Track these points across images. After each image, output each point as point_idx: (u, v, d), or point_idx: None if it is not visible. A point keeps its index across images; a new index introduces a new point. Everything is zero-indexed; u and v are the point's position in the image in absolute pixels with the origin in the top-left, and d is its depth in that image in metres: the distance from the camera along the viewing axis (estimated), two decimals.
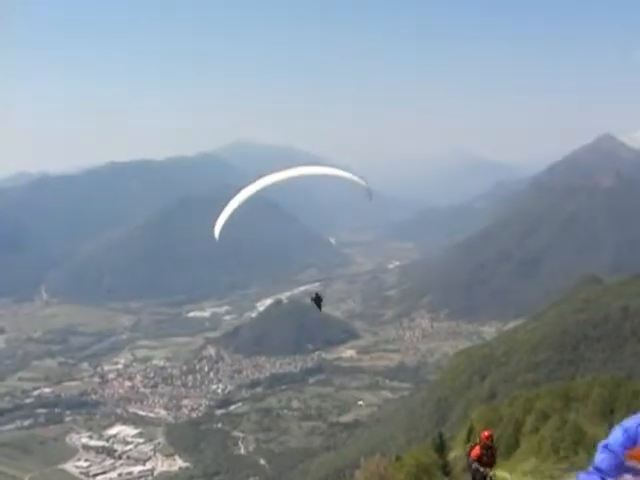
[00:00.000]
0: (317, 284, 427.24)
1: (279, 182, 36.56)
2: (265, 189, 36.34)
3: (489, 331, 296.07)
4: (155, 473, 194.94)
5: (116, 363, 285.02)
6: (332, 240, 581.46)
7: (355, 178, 39.14)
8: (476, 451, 26.24)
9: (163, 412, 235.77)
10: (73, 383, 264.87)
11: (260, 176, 36.60)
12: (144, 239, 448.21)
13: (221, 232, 39.62)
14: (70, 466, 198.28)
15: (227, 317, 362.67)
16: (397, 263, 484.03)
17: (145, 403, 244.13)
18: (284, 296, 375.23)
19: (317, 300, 49.06)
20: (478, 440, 26.60)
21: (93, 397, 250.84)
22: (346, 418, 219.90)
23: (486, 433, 26.82)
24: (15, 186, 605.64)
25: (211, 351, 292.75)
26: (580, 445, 41.45)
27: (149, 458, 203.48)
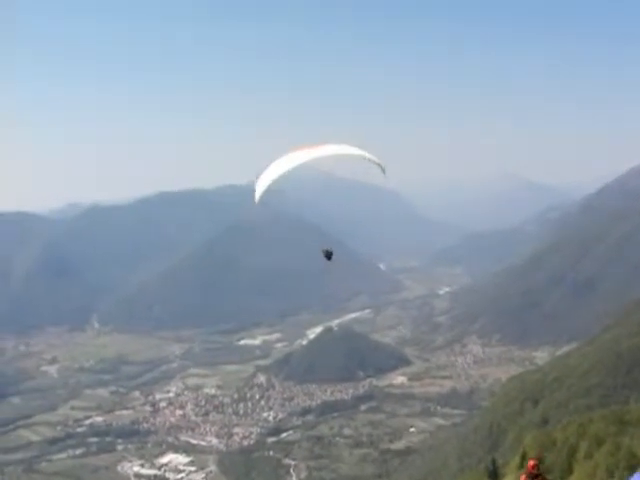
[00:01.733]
0: (367, 311, 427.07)
1: (306, 161, 41.93)
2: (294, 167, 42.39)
3: (541, 356, 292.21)
4: None
5: (167, 391, 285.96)
6: (382, 266, 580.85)
7: (370, 155, 42.67)
8: None
9: (214, 440, 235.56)
10: (125, 412, 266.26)
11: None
12: (194, 267, 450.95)
13: (260, 198, 42.49)
14: None
15: (278, 345, 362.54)
16: (447, 289, 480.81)
17: (196, 431, 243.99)
18: (334, 323, 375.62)
19: (328, 254, 50.94)
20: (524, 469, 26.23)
21: (145, 426, 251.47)
22: (398, 445, 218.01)
23: (531, 462, 26.44)
24: (67, 216, 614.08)
25: (262, 379, 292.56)
26: (635, 470, 40.73)
27: None
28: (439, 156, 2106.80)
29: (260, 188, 42.89)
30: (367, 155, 42.13)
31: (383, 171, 42.80)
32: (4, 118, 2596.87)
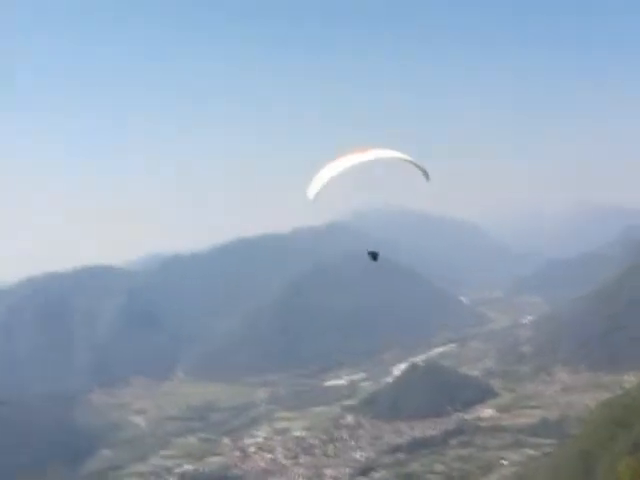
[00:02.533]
0: (452, 345, 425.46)
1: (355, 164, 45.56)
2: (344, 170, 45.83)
3: (630, 380, 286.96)
4: None
5: (256, 436, 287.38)
6: (463, 299, 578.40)
7: (415, 161, 47.37)
8: None
9: None
10: (215, 458, 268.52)
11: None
12: (276, 311, 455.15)
13: (316, 195, 45.89)
14: None
15: (364, 384, 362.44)
16: (530, 317, 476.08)
17: (287, 475, 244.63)
18: (419, 359, 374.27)
19: (373, 254, 54.25)
20: None
21: (235, 471, 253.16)
22: (490, 479, 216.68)
23: None
24: (148, 267, 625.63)
25: (350, 419, 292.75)
26: None
27: None
28: (516, 185, 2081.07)
29: (314, 189, 46.64)
30: (412, 159, 47.20)
31: (427, 177, 48.27)
32: (82, 176, 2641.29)
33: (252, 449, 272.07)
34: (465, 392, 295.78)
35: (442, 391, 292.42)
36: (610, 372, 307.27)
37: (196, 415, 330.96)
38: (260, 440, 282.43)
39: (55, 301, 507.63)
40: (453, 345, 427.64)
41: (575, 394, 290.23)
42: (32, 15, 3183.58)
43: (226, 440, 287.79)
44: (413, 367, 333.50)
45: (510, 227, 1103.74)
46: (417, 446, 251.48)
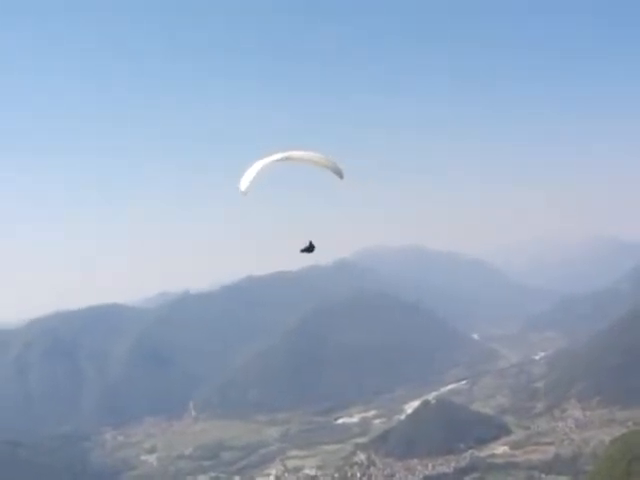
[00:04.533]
0: (464, 382, 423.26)
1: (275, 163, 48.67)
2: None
3: None
4: None
5: (267, 475, 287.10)
6: (475, 336, 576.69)
7: (328, 159, 50.09)
8: None
9: None
10: None
11: None
12: (286, 349, 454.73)
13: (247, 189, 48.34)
14: None
15: (376, 421, 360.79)
16: (543, 354, 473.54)
17: None
18: (431, 396, 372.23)
19: (308, 248, 53.86)
20: None
21: None
22: None
23: None
24: (158, 306, 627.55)
25: (362, 457, 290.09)
26: None
27: None
28: (526, 221, 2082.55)
29: (245, 183, 48.53)
30: (328, 161, 50.01)
31: (340, 176, 50.38)
32: (92, 217, 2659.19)
33: None
34: (478, 429, 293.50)
35: (455, 428, 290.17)
36: (624, 407, 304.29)
37: (207, 454, 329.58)
38: (272, 479, 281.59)
39: (65, 340, 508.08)
40: (465, 382, 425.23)
41: (589, 430, 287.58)
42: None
43: (237, 479, 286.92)
44: (425, 404, 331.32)
45: (523, 263, 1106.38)
46: None
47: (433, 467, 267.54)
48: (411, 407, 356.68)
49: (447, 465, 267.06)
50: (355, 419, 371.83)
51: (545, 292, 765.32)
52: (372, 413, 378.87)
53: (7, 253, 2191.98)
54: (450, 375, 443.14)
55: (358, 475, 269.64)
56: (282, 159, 48.44)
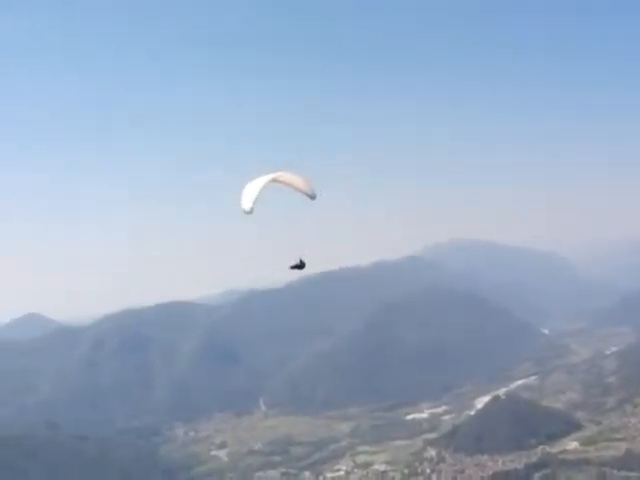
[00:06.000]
0: (534, 377, 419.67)
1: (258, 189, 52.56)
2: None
3: None
4: None
5: (337, 470, 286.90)
6: (545, 331, 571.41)
7: (306, 183, 55.73)
8: None
9: None
10: None
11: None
12: (355, 345, 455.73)
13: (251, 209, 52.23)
14: None
15: (445, 417, 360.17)
16: (614, 349, 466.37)
17: None
18: (501, 392, 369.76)
19: (298, 265, 56.54)
20: None
21: None
22: None
23: None
24: (226, 302, 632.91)
25: (432, 452, 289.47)
26: None
27: None
28: (597, 217, 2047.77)
29: (248, 203, 52.71)
30: (304, 184, 55.75)
31: (311, 197, 56.37)
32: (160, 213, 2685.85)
33: None
34: (548, 425, 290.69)
35: (525, 424, 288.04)
36: None
37: (277, 449, 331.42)
38: (342, 474, 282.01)
39: (136, 337, 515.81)
40: (535, 377, 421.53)
41: None
42: None
43: (307, 474, 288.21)
44: (495, 400, 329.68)
45: (592, 259, 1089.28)
46: None
47: (503, 463, 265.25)
48: (481, 402, 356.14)
49: (517, 461, 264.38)
50: (425, 415, 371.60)
51: (614, 287, 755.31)
52: (442, 409, 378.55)
53: (80, 253, 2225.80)
54: (520, 370, 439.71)
55: (428, 471, 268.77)
56: (272, 180, 53.84)
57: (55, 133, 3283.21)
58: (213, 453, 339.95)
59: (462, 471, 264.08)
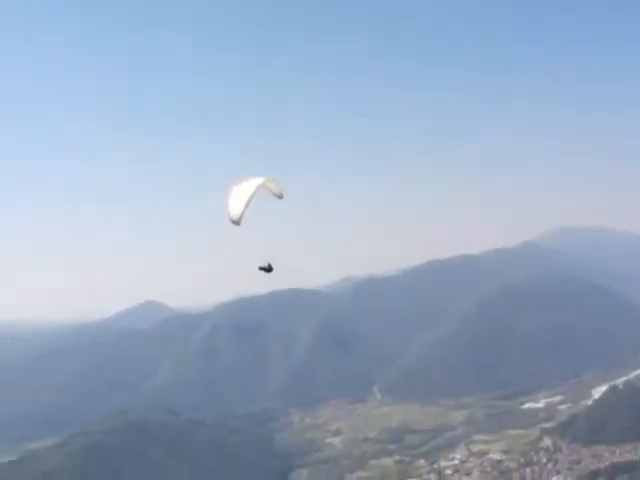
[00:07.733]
0: None
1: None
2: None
3: None
4: None
5: (452, 459, 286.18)
6: None
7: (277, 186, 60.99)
8: None
9: None
10: None
11: None
12: (469, 333, 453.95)
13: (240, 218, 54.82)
14: None
15: (562, 406, 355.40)
16: None
17: None
18: (620, 381, 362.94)
19: (266, 268, 58.73)
20: None
21: None
22: None
23: None
24: (342, 290, 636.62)
25: (548, 442, 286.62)
26: None
27: None
28: None
29: (236, 212, 55.38)
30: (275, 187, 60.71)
31: (279, 197, 61.30)
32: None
33: (448, 472, 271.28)
34: None
35: None
36: None
37: (392, 437, 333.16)
38: (456, 462, 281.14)
39: (252, 323, 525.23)
40: None
41: None
42: None
43: (422, 462, 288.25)
44: (613, 389, 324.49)
45: None
46: (617, 471, 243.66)
47: (621, 454, 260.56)
48: (598, 392, 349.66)
49: (635, 452, 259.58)
50: (541, 404, 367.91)
51: None
52: (558, 398, 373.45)
53: (198, 243, 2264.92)
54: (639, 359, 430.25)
55: (544, 460, 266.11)
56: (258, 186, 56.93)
57: None
58: (328, 440, 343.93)
59: (578, 461, 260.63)
